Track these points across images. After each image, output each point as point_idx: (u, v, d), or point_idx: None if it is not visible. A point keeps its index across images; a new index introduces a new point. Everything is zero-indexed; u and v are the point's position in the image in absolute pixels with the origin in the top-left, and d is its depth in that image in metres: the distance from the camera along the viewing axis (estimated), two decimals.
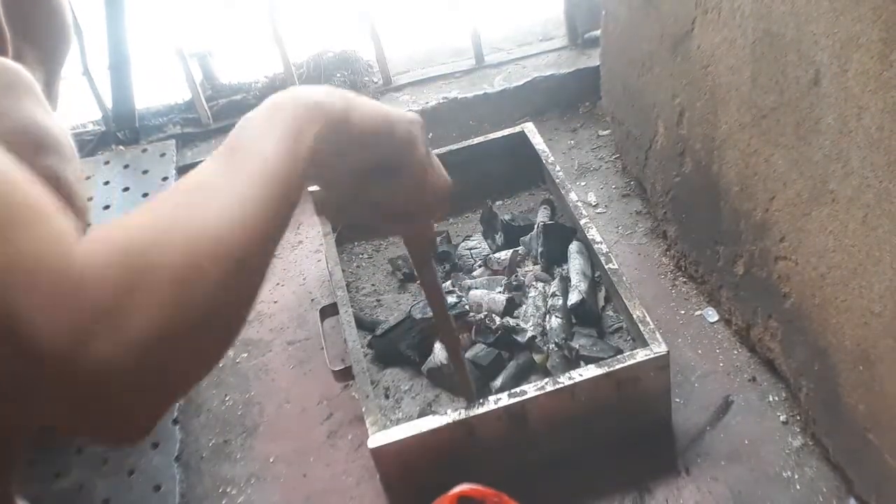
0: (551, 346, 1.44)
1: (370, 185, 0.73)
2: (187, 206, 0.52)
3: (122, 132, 2.22)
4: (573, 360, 1.42)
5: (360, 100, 0.68)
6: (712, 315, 1.59)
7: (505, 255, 1.65)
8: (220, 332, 0.52)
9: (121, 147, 2.20)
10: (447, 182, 0.78)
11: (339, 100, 0.65)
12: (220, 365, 1.69)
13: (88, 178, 2.07)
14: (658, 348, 1.29)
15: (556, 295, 1.52)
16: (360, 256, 1.81)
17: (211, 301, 0.49)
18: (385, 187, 0.73)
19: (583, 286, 1.52)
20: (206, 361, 0.52)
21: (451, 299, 1.52)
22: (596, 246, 1.52)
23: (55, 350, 0.42)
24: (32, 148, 0.70)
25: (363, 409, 1.30)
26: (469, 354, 1.45)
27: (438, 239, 1.77)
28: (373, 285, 1.73)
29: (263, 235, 0.53)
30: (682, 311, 1.62)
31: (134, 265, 0.46)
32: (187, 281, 0.47)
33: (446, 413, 1.26)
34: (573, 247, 1.62)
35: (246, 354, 1.70)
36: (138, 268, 0.46)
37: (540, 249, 1.64)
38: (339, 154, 0.65)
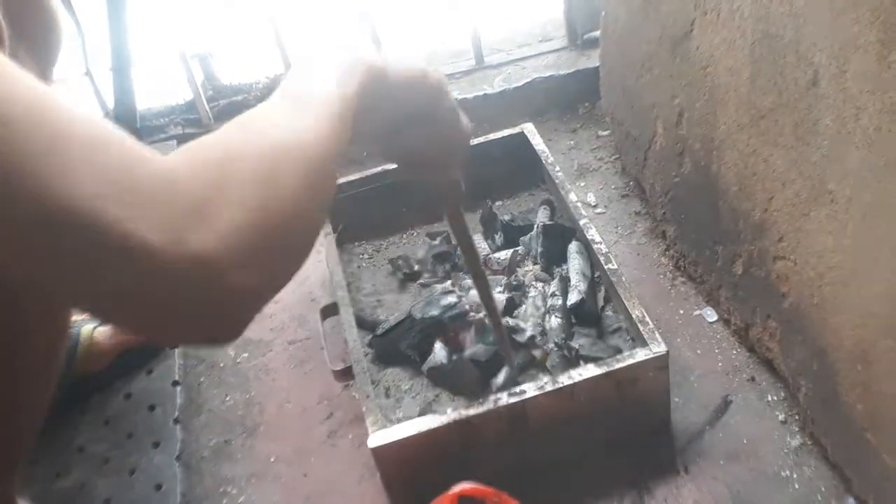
0: (551, 345, 1.44)
1: (403, 134, 0.77)
2: (262, 119, 0.57)
3: None
4: (573, 360, 1.42)
5: (394, 56, 0.73)
6: (711, 315, 1.59)
7: (505, 255, 1.65)
8: (302, 230, 0.55)
9: None
10: (469, 129, 0.85)
11: (377, 55, 0.70)
12: (221, 365, 1.69)
13: None
14: (657, 348, 1.30)
15: (556, 295, 1.53)
16: (361, 256, 1.82)
17: (291, 199, 0.52)
18: (417, 135, 0.78)
19: (582, 286, 1.52)
20: (293, 258, 0.55)
21: (451, 299, 1.53)
22: (595, 246, 1.53)
23: (155, 247, 0.45)
24: None
25: (363, 409, 1.30)
26: (468, 353, 1.45)
27: (438, 239, 1.77)
28: (373, 285, 1.74)
29: (330, 146, 0.58)
30: (681, 311, 1.62)
31: (221, 167, 0.50)
32: (271, 179, 0.51)
33: (446, 413, 1.27)
34: (573, 247, 1.62)
35: (246, 354, 1.71)
36: (225, 168, 0.50)
37: (539, 249, 1.64)
38: (376, 104, 0.69)
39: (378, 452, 1.26)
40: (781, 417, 1.40)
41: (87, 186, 0.44)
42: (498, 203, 1.86)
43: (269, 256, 0.51)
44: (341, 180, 1.70)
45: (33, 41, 0.82)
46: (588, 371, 1.29)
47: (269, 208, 0.50)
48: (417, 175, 0.89)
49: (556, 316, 1.49)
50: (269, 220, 0.50)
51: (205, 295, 0.48)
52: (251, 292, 0.50)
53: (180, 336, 0.53)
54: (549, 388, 1.27)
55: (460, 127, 0.82)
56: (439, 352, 1.47)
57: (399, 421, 1.39)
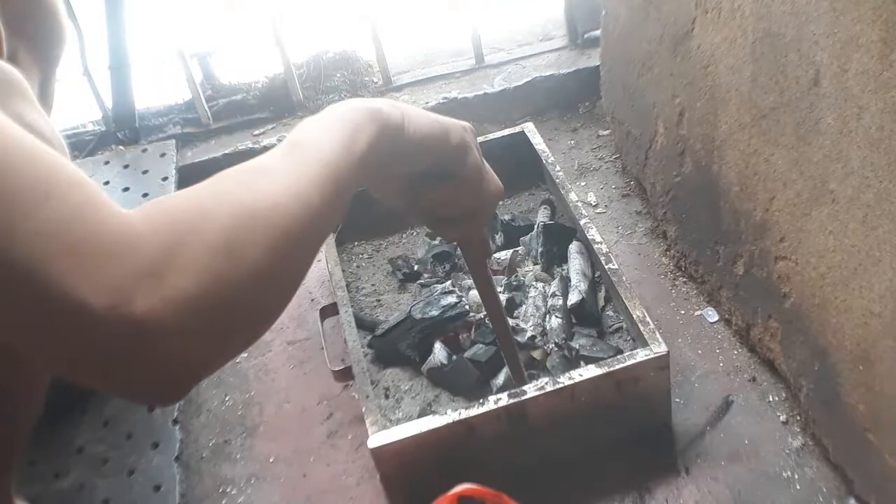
0: (551, 345, 1.44)
1: (425, 190, 0.75)
2: (241, 182, 0.53)
3: (122, 132, 2.22)
4: (573, 360, 1.42)
5: (416, 110, 0.70)
6: (712, 315, 1.59)
7: (505, 255, 1.65)
8: (262, 302, 0.52)
9: (121, 147, 2.20)
10: (499, 188, 0.81)
11: (396, 109, 0.67)
12: None
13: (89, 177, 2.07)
14: (658, 348, 1.29)
15: (556, 295, 1.52)
16: (360, 256, 1.81)
17: (252, 271, 0.49)
18: (440, 191, 0.75)
19: (583, 286, 1.52)
20: (249, 330, 0.52)
21: (451, 299, 1.52)
22: (596, 246, 1.52)
23: (96, 309, 0.43)
24: None
25: (363, 409, 1.30)
26: (468, 353, 1.45)
27: (438, 239, 1.76)
28: (373, 285, 1.73)
29: (314, 217, 0.54)
30: (682, 311, 1.62)
31: (183, 229, 0.47)
32: (232, 249, 0.48)
33: (446, 413, 1.26)
34: (573, 247, 1.62)
35: (246, 354, 1.70)
36: (186, 231, 0.47)
37: (540, 249, 1.64)
38: (395, 158, 0.67)
39: (378, 453, 1.25)
40: (783, 418, 1.39)
41: (32, 240, 0.42)
42: (498, 203, 1.86)
43: (219, 329, 0.48)
44: None
45: (35, 42, 0.81)
46: (588, 371, 1.28)
47: (226, 279, 0.47)
48: (440, 231, 0.87)
49: (556, 316, 1.48)
50: (223, 292, 0.47)
51: (144, 362, 0.45)
52: (195, 363, 0.48)
53: (119, 395, 0.51)
54: (549, 388, 1.27)
55: (486, 186, 0.78)
56: (439, 352, 1.46)
57: (399, 421, 1.39)
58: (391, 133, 0.65)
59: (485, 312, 1.51)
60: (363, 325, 1.58)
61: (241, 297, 0.49)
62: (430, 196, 0.75)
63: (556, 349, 1.43)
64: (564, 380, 1.27)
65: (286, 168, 0.55)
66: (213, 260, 0.47)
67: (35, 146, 0.46)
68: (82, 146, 2.22)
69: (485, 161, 0.78)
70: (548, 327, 1.47)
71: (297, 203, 0.53)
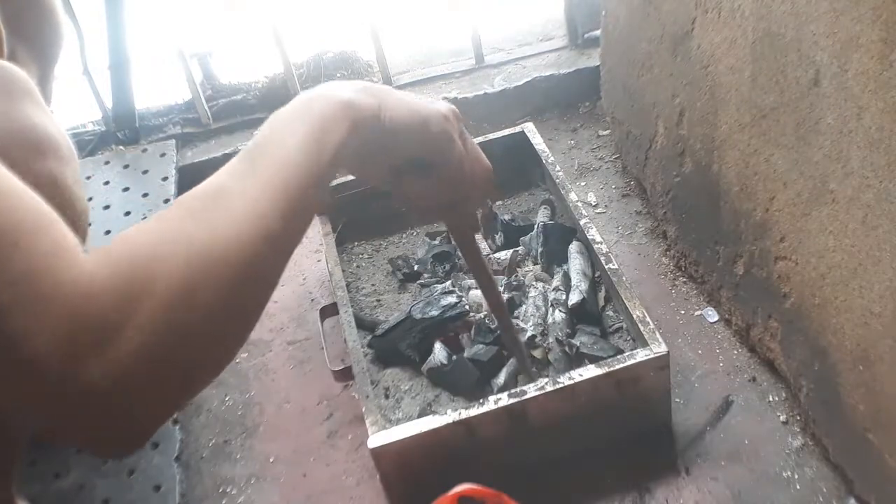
0: (551, 341, 1.44)
1: (407, 179, 0.73)
2: (198, 217, 0.50)
3: (122, 132, 2.22)
4: (574, 358, 1.42)
5: (394, 97, 0.66)
6: (712, 315, 1.59)
7: (505, 255, 1.65)
8: (220, 346, 0.51)
9: (121, 147, 2.20)
10: (486, 169, 0.78)
11: (372, 97, 0.64)
12: None
13: (88, 178, 2.07)
14: (658, 348, 1.29)
15: (560, 290, 1.52)
16: (360, 256, 1.81)
17: (211, 320, 0.48)
18: (422, 182, 0.73)
19: (583, 286, 1.52)
20: (206, 374, 0.51)
21: (451, 299, 1.52)
22: (596, 246, 1.52)
23: (50, 365, 0.42)
24: (31, 151, 0.69)
25: (363, 409, 1.30)
26: (468, 353, 1.45)
27: (438, 239, 1.77)
28: (373, 285, 1.73)
29: (273, 243, 0.52)
30: (682, 311, 1.62)
31: (135, 287, 0.45)
32: (189, 299, 0.47)
33: (446, 413, 1.26)
34: (573, 247, 1.62)
35: (246, 354, 1.70)
36: (139, 288, 0.45)
37: (540, 249, 1.64)
38: (372, 150, 0.65)
39: (377, 453, 1.25)
40: (783, 418, 1.39)
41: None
42: (498, 203, 1.86)
43: (176, 381, 0.48)
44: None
45: (33, 41, 0.81)
46: (588, 371, 1.28)
47: (183, 332, 0.46)
48: (428, 217, 0.86)
49: (559, 310, 1.48)
50: (179, 344, 0.46)
51: (99, 421, 0.45)
52: (151, 418, 0.47)
53: (74, 445, 0.51)
54: (549, 388, 1.27)
55: (471, 169, 0.75)
56: (439, 352, 1.46)
57: (399, 421, 1.39)
58: (366, 126, 0.62)
59: (485, 313, 1.51)
60: (363, 325, 1.58)
61: (198, 345, 0.48)
62: (409, 188, 0.74)
63: (556, 345, 1.43)
64: (564, 380, 1.28)
65: (244, 188, 0.53)
66: (168, 315, 0.46)
67: (9, 189, 0.45)
68: (82, 146, 2.22)
69: (471, 143, 0.75)
70: (550, 321, 1.47)
71: (256, 233, 0.50)
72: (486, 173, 0.78)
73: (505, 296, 1.54)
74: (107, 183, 2.05)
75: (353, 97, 0.62)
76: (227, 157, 2.07)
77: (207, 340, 0.49)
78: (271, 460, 1.49)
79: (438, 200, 0.76)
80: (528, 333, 1.46)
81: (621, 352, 1.39)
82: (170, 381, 0.47)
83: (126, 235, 0.49)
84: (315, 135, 0.58)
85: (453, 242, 1.75)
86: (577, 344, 1.43)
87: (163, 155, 2.12)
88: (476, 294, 1.56)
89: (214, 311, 0.48)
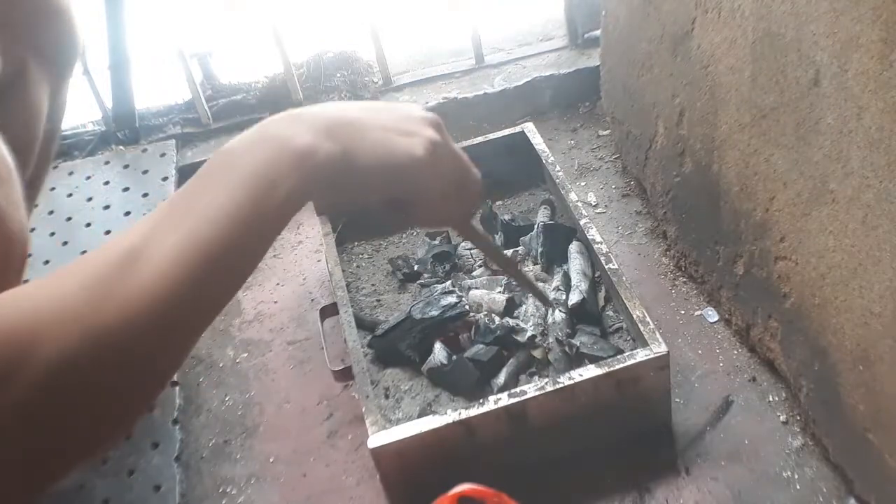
0: (551, 341, 1.44)
1: (385, 212, 0.67)
2: (99, 289, 0.45)
3: (122, 132, 2.22)
4: (574, 358, 1.42)
5: (367, 139, 0.59)
6: (712, 315, 1.59)
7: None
8: (102, 419, 0.48)
9: (121, 147, 2.20)
10: (475, 185, 0.72)
11: (334, 143, 0.56)
12: (220, 365, 1.69)
13: (88, 178, 2.07)
14: (658, 348, 1.29)
15: (560, 290, 1.52)
16: (360, 256, 1.81)
17: (93, 395, 0.45)
18: (401, 216, 0.68)
19: (583, 286, 1.52)
20: (116, 432, 0.50)
21: (451, 299, 1.52)
22: (596, 246, 1.52)
23: None
24: None
25: (363, 409, 1.30)
26: (468, 353, 1.45)
27: (438, 239, 1.77)
28: (373, 285, 1.73)
29: (187, 315, 0.47)
30: (682, 311, 1.62)
31: (11, 354, 0.43)
32: (63, 374, 0.44)
33: (446, 413, 1.26)
34: (573, 247, 1.62)
35: (246, 354, 1.70)
36: (17, 356, 0.43)
37: (540, 249, 1.64)
38: (343, 187, 0.58)
39: (377, 453, 1.25)
40: (783, 418, 1.39)
41: None
42: (498, 203, 1.86)
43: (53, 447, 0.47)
44: None
45: (44, 50, 0.77)
46: (588, 371, 1.28)
47: (57, 405, 0.45)
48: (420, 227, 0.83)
49: (559, 310, 1.48)
50: (53, 414, 0.45)
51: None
52: (46, 471, 0.47)
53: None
54: (549, 388, 1.27)
55: (454, 204, 0.69)
56: (439, 352, 1.46)
57: (399, 421, 1.39)
58: (321, 176, 0.55)
59: (485, 313, 1.51)
60: (363, 325, 1.58)
61: (74, 418, 0.46)
62: (391, 217, 0.68)
63: (556, 345, 1.43)
64: (564, 380, 1.28)
65: (162, 249, 0.47)
66: (50, 382, 0.44)
67: None
68: (82, 146, 2.22)
69: (458, 155, 0.70)
70: (550, 321, 1.47)
71: (165, 306, 0.45)
72: (474, 188, 0.73)
73: (505, 296, 1.54)
74: (107, 183, 2.05)
75: (310, 144, 0.55)
76: None
77: (99, 407, 0.47)
78: (271, 460, 1.49)
79: (423, 224, 0.75)
80: (528, 333, 1.46)
81: (621, 352, 1.39)
82: (53, 446, 0.46)
83: (12, 294, 0.45)
84: (258, 186, 0.51)
85: (453, 242, 1.76)
86: (577, 344, 1.43)
87: (163, 155, 2.12)
88: (476, 294, 1.56)
89: (100, 391, 0.46)
